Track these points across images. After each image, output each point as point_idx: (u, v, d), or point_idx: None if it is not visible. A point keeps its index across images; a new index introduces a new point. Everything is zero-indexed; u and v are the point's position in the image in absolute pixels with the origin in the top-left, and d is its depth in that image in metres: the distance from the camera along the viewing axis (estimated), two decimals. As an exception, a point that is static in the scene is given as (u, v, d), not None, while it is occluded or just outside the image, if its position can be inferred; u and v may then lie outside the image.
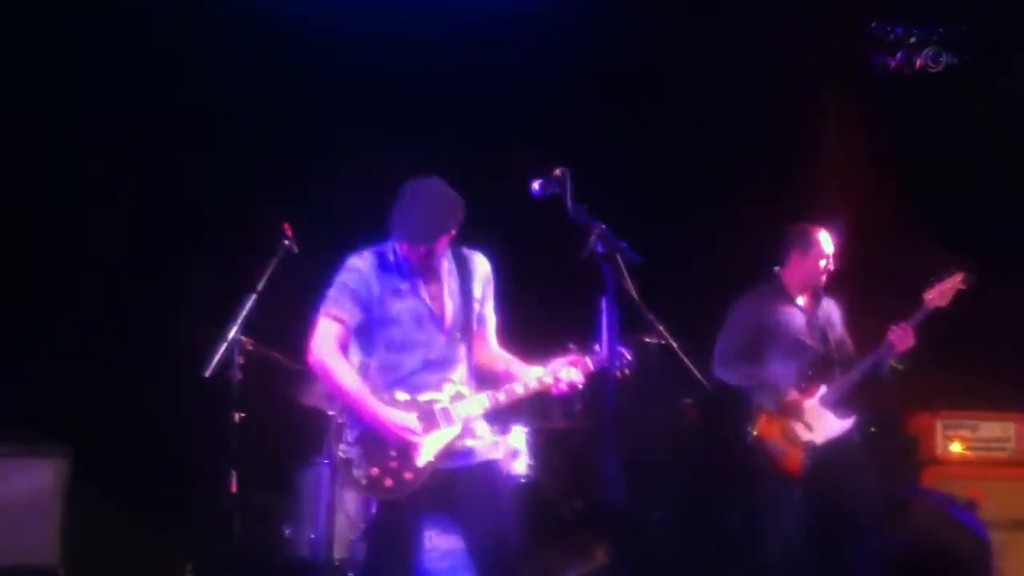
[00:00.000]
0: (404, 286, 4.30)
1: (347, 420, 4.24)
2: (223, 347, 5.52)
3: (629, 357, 4.48)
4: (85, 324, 6.50)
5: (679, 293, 6.23)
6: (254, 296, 5.59)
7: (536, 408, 5.99)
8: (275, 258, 5.64)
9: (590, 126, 6.95)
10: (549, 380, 4.41)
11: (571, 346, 4.56)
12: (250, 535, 5.95)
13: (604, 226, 4.27)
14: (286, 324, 5.89)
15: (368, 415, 4.17)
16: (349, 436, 4.22)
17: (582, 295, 4.65)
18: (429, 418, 4.24)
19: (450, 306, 4.35)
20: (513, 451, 5.93)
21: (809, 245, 5.79)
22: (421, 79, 6.80)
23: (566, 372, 4.41)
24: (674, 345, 5.03)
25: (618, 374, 4.37)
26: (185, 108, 6.65)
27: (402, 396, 4.24)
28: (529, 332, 4.97)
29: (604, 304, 4.18)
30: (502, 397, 4.37)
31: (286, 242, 5.67)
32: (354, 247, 4.48)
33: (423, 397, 4.26)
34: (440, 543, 5.38)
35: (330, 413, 5.87)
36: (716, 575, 6.17)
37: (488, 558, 4.22)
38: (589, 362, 4.44)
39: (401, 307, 4.29)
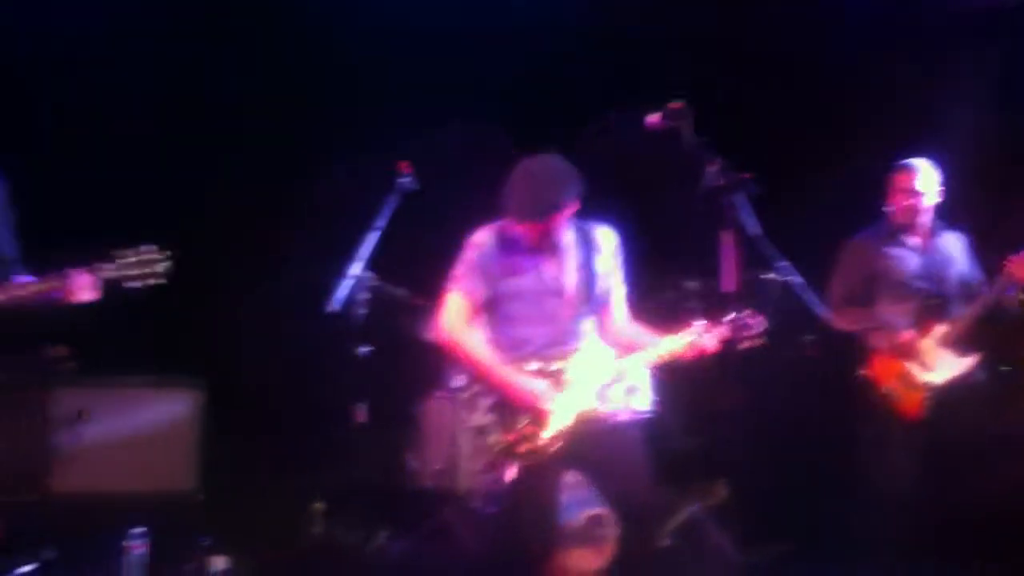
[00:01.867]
0: (525, 262, 4.23)
1: (480, 389, 4.19)
2: (348, 284, 5.53)
3: (763, 326, 4.27)
4: (218, 264, 6.51)
5: (799, 228, 5.94)
6: (376, 233, 5.54)
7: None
8: (395, 195, 5.58)
9: (703, 56, 6.65)
10: (680, 348, 4.27)
11: (700, 319, 4.35)
12: (376, 466, 5.96)
13: (723, 159, 4.04)
14: (407, 260, 5.84)
15: (500, 384, 4.14)
16: (483, 404, 4.17)
17: (698, 233, 4.48)
18: (560, 385, 4.18)
19: (573, 281, 4.25)
20: (632, 386, 5.76)
21: (910, 181, 5.45)
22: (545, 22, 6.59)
23: (699, 340, 4.26)
24: (795, 282, 4.79)
25: (747, 344, 4.24)
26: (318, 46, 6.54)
27: (531, 366, 4.20)
28: (648, 273, 4.78)
29: (724, 240, 3.96)
30: (631, 365, 4.28)
31: (406, 179, 5.61)
32: (473, 184, 4.35)
33: (553, 367, 4.20)
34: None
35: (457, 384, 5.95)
36: (830, 517, 5.93)
37: (620, 503, 4.20)
38: (722, 330, 4.27)
39: (523, 283, 4.22)
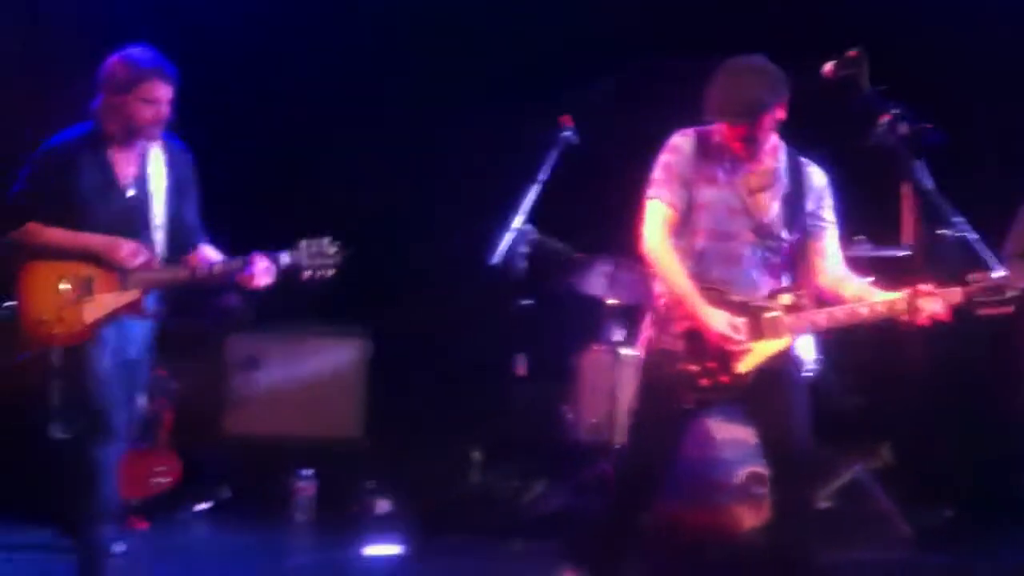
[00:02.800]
0: (724, 175, 3.87)
1: (672, 312, 3.88)
2: (510, 237, 5.46)
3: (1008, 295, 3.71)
4: (384, 218, 6.53)
5: (974, 183, 5.59)
6: (537, 187, 5.45)
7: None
8: (556, 149, 5.48)
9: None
10: (903, 307, 3.77)
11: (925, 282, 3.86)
12: (534, 418, 5.91)
13: (902, 109, 3.76)
14: (568, 214, 5.73)
15: (694, 312, 3.80)
16: (674, 328, 3.86)
17: (870, 186, 4.22)
18: (758, 326, 3.82)
19: (774, 210, 3.88)
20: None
21: None
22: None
23: (926, 302, 3.76)
24: (971, 238, 4.45)
25: (992, 310, 3.71)
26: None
27: (735, 297, 3.85)
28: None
29: (904, 193, 3.66)
30: (841, 315, 3.84)
31: (567, 133, 5.51)
32: (634, 138, 4.14)
33: (756, 303, 3.84)
34: (724, 433, 5.11)
35: (610, 302, 5.82)
36: (998, 482, 5.61)
37: (779, 456, 3.85)
38: (955, 293, 3.75)
39: (716, 196, 3.86)
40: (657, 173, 3.90)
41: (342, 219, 6.44)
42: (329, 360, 6.34)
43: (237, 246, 4.25)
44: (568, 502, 5.59)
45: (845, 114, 4.16)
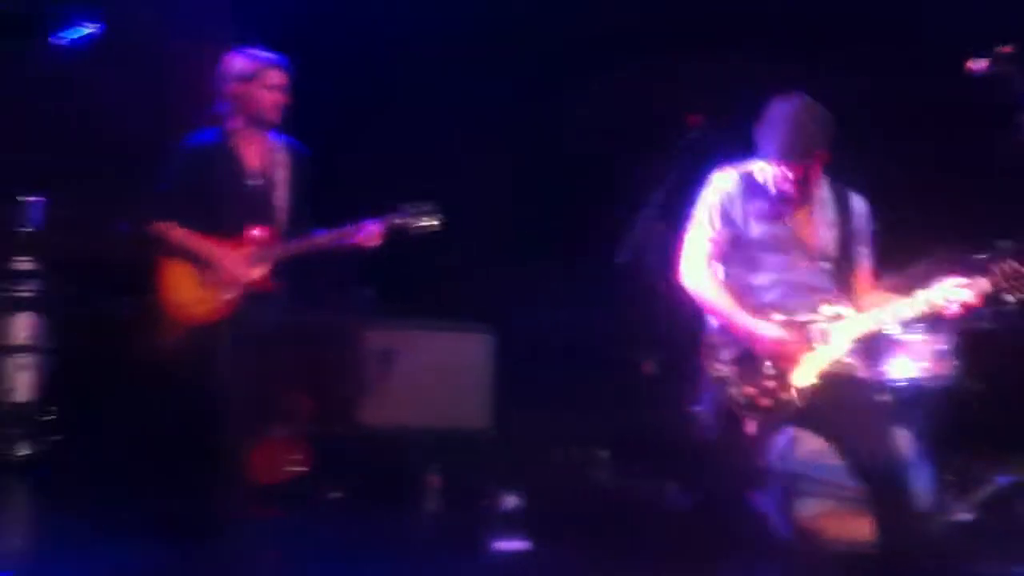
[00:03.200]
0: (773, 211, 3.95)
1: (721, 338, 3.94)
2: (640, 234, 5.41)
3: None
4: (508, 215, 6.51)
5: None
6: (667, 184, 5.35)
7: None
8: (686, 148, 5.37)
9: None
10: (940, 301, 3.85)
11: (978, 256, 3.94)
12: (661, 415, 5.80)
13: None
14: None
15: (742, 332, 3.87)
16: (724, 355, 3.93)
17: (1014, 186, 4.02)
18: (806, 338, 3.87)
19: (821, 235, 3.96)
20: (940, 351, 5.30)
21: None
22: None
23: (956, 293, 3.83)
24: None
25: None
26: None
27: (778, 316, 3.91)
28: (955, 229, 4.34)
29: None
30: (888, 318, 3.90)
31: (696, 132, 5.40)
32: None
33: (799, 318, 3.90)
34: (812, 444, 4.98)
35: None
36: None
37: (866, 474, 3.83)
38: (983, 283, 3.82)
39: (766, 230, 3.95)
40: (698, 210, 4.01)
41: (473, 215, 6.54)
42: (459, 354, 6.36)
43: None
44: (697, 504, 5.47)
45: (987, 112, 4.07)
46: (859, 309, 3.96)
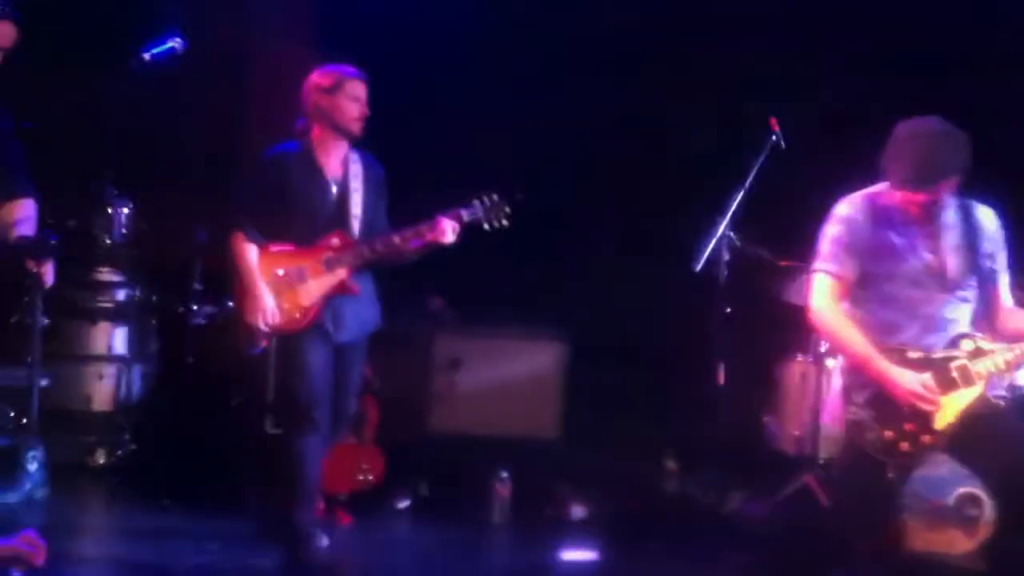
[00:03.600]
0: (901, 240, 3.70)
1: (854, 380, 3.72)
2: (712, 242, 5.34)
3: None
4: (579, 223, 6.47)
5: None
6: (742, 192, 5.29)
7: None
8: (763, 154, 5.29)
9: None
10: None
11: None
12: (732, 425, 5.72)
13: None
14: (772, 220, 5.52)
15: (878, 376, 3.62)
16: (858, 397, 3.68)
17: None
18: (946, 378, 3.63)
19: (953, 262, 3.70)
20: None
21: None
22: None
23: None
24: None
25: None
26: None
27: (914, 354, 3.66)
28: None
29: None
30: None
31: (773, 138, 5.33)
32: (841, 144, 3.93)
33: (937, 355, 3.66)
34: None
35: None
36: None
37: (1007, 496, 3.67)
38: None
39: (897, 263, 3.69)
40: (824, 245, 3.77)
41: (546, 224, 6.51)
42: (528, 362, 6.32)
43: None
44: (768, 514, 5.38)
45: None
46: (1000, 332, 3.74)
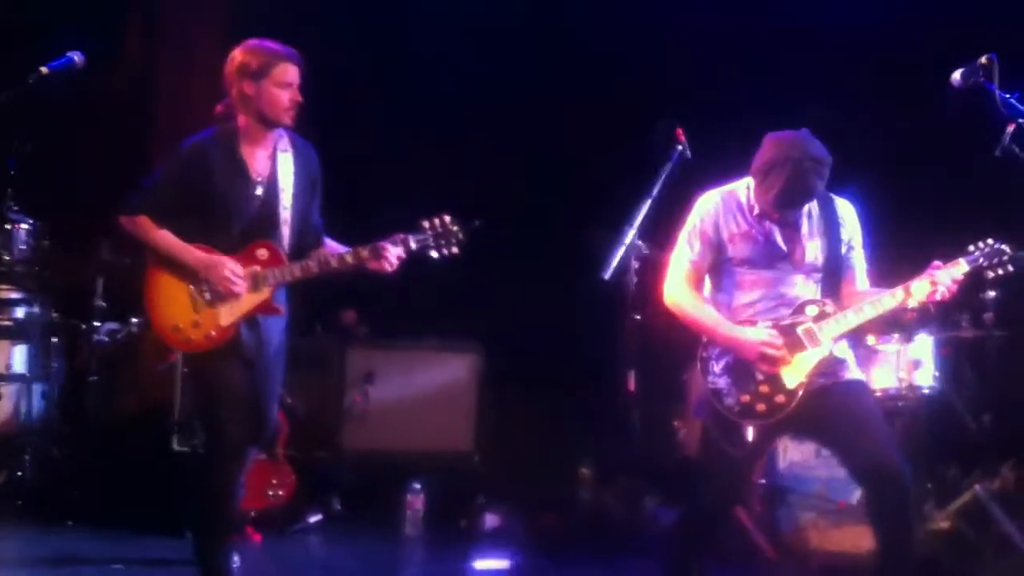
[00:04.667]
0: (758, 230, 3.85)
1: (710, 352, 3.84)
2: (621, 251, 5.25)
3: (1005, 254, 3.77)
4: (489, 234, 6.40)
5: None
6: (649, 201, 5.25)
7: (943, 316, 5.24)
8: (669, 163, 5.28)
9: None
10: (927, 287, 3.77)
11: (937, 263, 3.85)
12: (644, 432, 5.71)
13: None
14: (680, 228, 5.52)
15: (728, 341, 3.78)
16: (715, 367, 3.82)
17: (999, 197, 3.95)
18: (793, 339, 3.77)
19: (809, 248, 3.85)
20: (916, 361, 5.23)
21: None
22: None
23: (938, 276, 3.75)
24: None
25: (995, 273, 3.79)
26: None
27: (763, 324, 3.81)
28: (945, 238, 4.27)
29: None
30: (869, 310, 3.79)
31: (679, 147, 5.31)
32: (746, 150, 3.96)
33: (785, 321, 3.80)
34: (794, 455, 5.06)
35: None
36: None
37: (871, 479, 3.70)
38: (962, 264, 3.77)
39: (754, 250, 3.84)
40: (682, 234, 3.94)
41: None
42: (443, 375, 6.25)
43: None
44: (681, 518, 5.35)
45: (972, 123, 3.99)
46: (842, 304, 3.87)
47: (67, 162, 6.08)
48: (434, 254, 4.00)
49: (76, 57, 4.37)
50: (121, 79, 6.22)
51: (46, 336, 5.79)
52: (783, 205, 3.76)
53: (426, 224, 3.99)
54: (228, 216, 3.94)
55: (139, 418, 5.53)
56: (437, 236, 3.98)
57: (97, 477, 5.31)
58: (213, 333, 3.90)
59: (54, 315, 5.81)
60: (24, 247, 5.68)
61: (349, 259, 3.96)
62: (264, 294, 3.92)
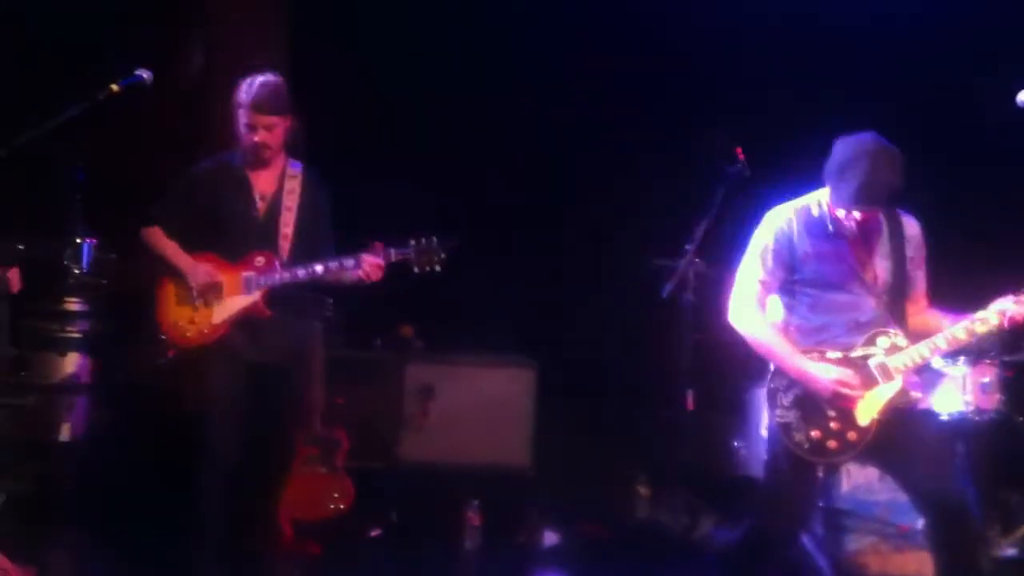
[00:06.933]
0: (832, 248, 3.72)
1: (779, 383, 3.71)
2: (679, 270, 5.26)
3: None
4: (549, 251, 6.38)
5: None
6: (708, 219, 5.22)
7: (1008, 341, 5.09)
8: (728, 182, 5.22)
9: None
10: (994, 320, 3.67)
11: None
12: (702, 450, 5.63)
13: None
14: (739, 247, 5.45)
15: (798, 374, 3.64)
16: (784, 399, 3.69)
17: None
18: (866, 374, 3.65)
19: (882, 269, 3.74)
20: (981, 384, 5.09)
21: None
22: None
23: (1012, 307, 3.65)
24: None
25: None
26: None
27: (833, 354, 3.68)
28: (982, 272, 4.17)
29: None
30: (943, 344, 3.69)
31: (738, 166, 5.26)
32: (803, 172, 3.87)
33: (855, 353, 3.67)
34: (857, 479, 4.91)
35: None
36: None
37: (935, 506, 3.59)
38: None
39: (828, 270, 3.72)
40: (751, 250, 3.81)
41: (515, 250, 6.42)
42: (500, 389, 6.18)
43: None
44: (740, 539, 5.26)
45: None
46: (913, 332, 3.76)
47: (129, 177, 6.14)
48: (416, 270, 4.24)
49: (145, 74, 4.39)
50: (179, 93, 6.26)
51: (112, 349, 5.86)
52: (864, 200, 3.61)
53: (412, 241, 4.23)
54: (228, 226, 4.28)
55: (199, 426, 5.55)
56: (419, 253, 4.21)
57: (158, 486, 5.34)
58: (205, 330, 4.24)
59: (119, 328, 5.87)
60: (92, 261, 5.76)
61: (334, 266, 4.23)
62: (254, 296, 4.23)
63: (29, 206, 5.66)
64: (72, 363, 5.72)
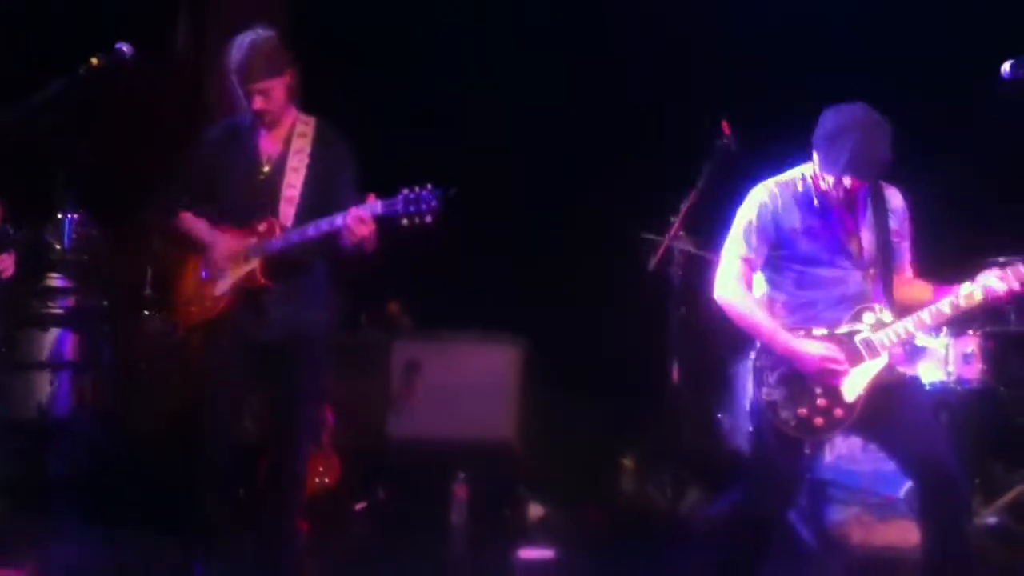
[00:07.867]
0: (818, 222, 3.68)
1: (765, 360, 3.68)
2: (665, 244, 5.26)
3: None
4: (534, 227, 6.37)
5: None
6: (694, 193, 5.22)
7: (991, 312, 5.11)
8: (714, 156, 5.20)
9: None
10: (979, 295, 3.63)
11: (999, 259, 3.78)
12: (688, 424, 5.64)
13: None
14: (724, 222, 5.46)
15: (785, 350, 3.61)
16: (770, 377, 3.65)
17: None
18: (851, 350, 3.62)
19: (867, 241, 3.71)
20: (964, 355, 5.12)
21: None
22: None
23: (996, 283, 3.61)
24: None
25: None
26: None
27: (819, 331, 3.65)
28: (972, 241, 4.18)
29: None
30: (928, 319, 3.66)
31: (726, 141, 5.24)
32: (793, 145, 3.85)
33: (841, 330, 3.65)
34: (839, 449, 4.97)
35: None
36: None
37: (927, 474, 3.58)
38: (1019, 271, 3.60)
39: (814, 244, 3.68)
40: (735, 227, 3.75)
41: (497, 225, 6.41)
42: (486, 365, 6.19)
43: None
44: (723, 512, 5.29)
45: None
46: (900, 304, 3.72)
47: (119, 154, 6.09)
48: (404, 222, 3.83)
49: (124, 48, 4.34)
50: (172, 71, 6.21)
51: (95, 325, 5.83)
52: (855, 170, 3.56)
53: (402, 191, 3.85)
54: (228, 191, 4.08)
55: (187, 407, 5.53)
56: (408, 202, 3.82)
57: (145, 467, 5.32)
58: (207, 303, 4.04)
59: (103, 304, 5.84)
60: (75, 236, 5.72)
61: (325, 226, 3.90)
62: (252, 264, 3.98)
63: (10, 183, 5.60)
64: (55, 339, 5.69)
